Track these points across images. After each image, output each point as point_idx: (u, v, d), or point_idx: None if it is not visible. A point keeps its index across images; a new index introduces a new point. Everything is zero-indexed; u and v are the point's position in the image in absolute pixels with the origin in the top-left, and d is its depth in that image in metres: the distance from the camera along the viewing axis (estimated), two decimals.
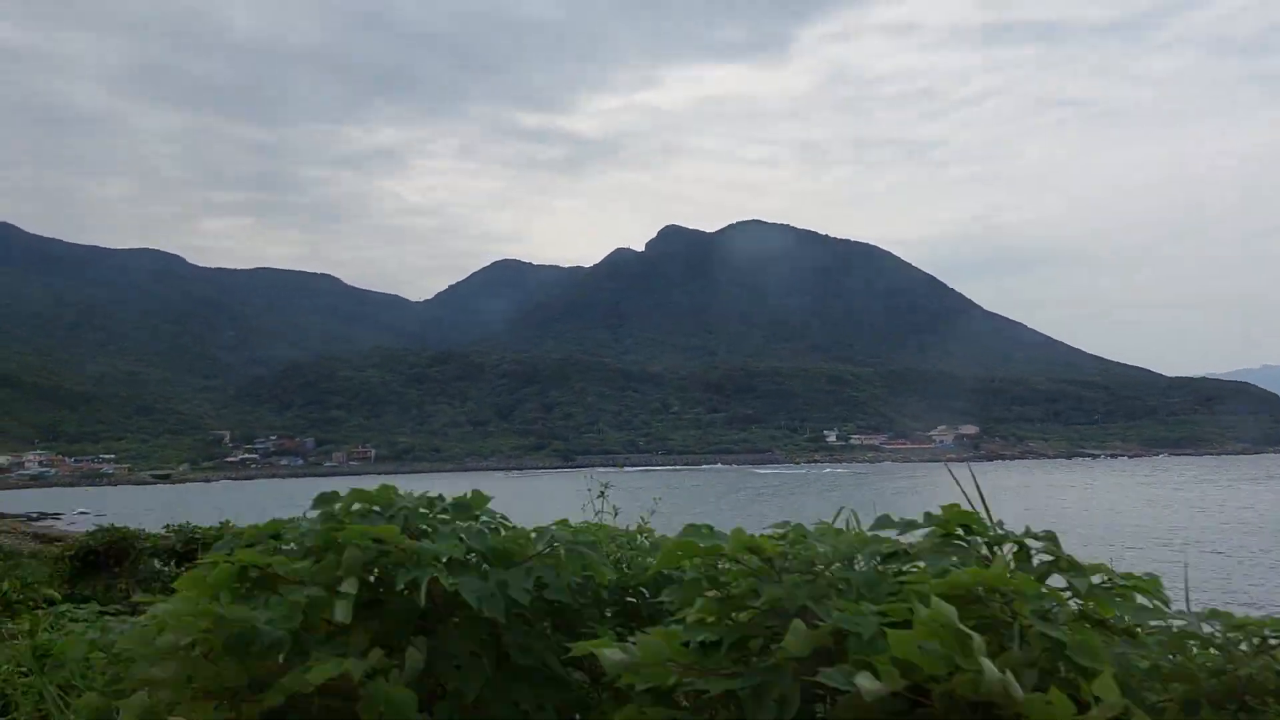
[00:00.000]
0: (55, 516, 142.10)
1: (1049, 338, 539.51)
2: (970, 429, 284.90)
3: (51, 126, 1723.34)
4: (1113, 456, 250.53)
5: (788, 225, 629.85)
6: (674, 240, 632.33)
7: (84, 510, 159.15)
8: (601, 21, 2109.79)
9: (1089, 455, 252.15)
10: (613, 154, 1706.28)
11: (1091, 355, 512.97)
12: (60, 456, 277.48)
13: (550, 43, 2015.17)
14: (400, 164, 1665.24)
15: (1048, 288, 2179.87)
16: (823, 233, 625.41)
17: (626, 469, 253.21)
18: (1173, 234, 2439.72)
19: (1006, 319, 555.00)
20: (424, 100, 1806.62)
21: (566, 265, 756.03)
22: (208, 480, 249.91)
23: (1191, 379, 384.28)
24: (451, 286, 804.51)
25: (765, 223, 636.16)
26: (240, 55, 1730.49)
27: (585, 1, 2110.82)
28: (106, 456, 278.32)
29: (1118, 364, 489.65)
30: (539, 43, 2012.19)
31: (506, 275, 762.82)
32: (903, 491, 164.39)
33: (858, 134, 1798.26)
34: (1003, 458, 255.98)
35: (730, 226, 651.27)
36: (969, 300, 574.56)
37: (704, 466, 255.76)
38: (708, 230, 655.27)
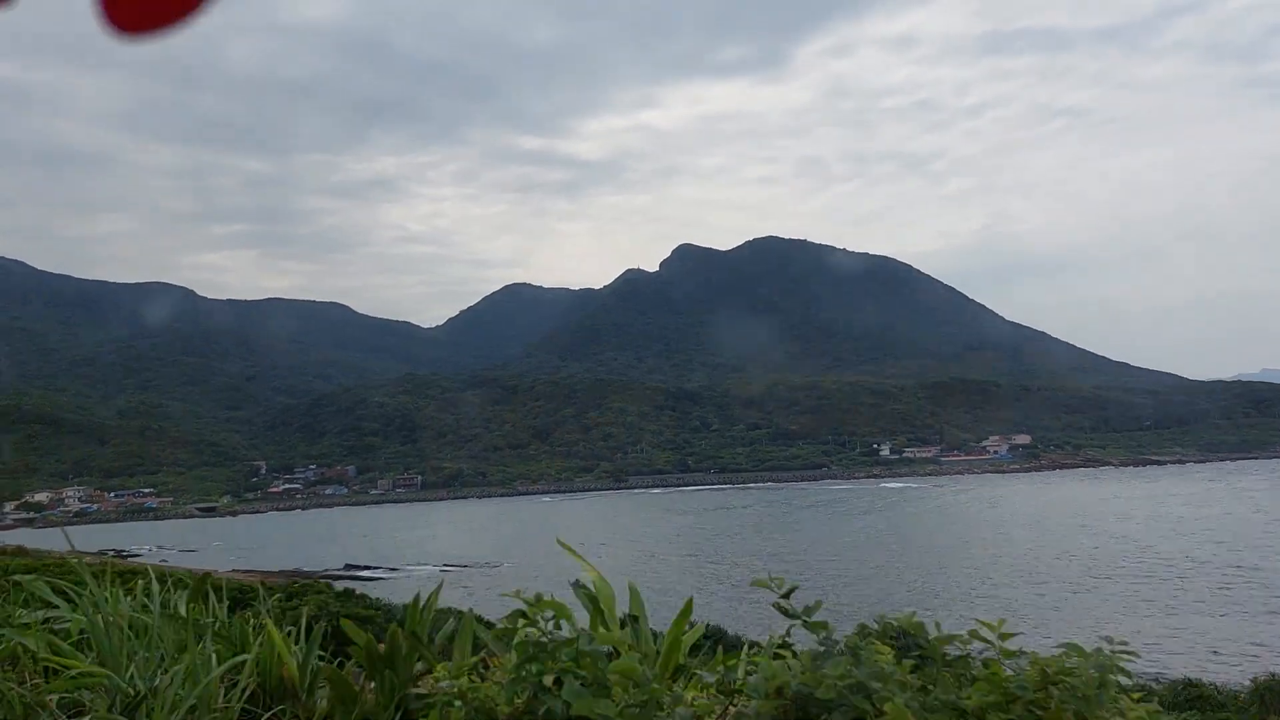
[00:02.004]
0: (134, 555, 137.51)
1: (1070, 345, 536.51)
2: (1023, 438, 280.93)
3: (52, 164, 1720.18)
4: (1179, 463, 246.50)
5: (805, 240, 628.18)
6: (689, 259, 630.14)
7: (163, 545, 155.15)
8: (598, 44, 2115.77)
9: (1155, 462, 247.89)
10: (614, 176, 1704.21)
11: (1116, 361, 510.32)
12: (100, 492, 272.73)
13: (547, 67, 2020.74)
14: (401, 191, 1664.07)
15: (1057, 295, 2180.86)
16: (840, 246, 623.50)
17: (685, 488, 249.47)
18: (1167, 240, 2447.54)
19: (1029, 328, 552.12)
20: (423, 127, 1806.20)
21: (577, 288, 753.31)
22: (257, 512, 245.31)
23: (1228, 383, 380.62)
24: (463, 312, 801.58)
25: (782, 239, 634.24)
26: (237, 88, 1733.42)
27: (581, 25, 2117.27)
28: (146, 490, 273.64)
29: (1142, 369, 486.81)
30: (536, 67, 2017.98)
31: (518, 299, 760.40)
32: (996, 501, 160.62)
33: (861, 148, 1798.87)
34: (1064, 467, 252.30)
35: (747, 243, 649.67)
36: (989, 310, 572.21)
37: (756, 485, 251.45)
38: (722, 249, 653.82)
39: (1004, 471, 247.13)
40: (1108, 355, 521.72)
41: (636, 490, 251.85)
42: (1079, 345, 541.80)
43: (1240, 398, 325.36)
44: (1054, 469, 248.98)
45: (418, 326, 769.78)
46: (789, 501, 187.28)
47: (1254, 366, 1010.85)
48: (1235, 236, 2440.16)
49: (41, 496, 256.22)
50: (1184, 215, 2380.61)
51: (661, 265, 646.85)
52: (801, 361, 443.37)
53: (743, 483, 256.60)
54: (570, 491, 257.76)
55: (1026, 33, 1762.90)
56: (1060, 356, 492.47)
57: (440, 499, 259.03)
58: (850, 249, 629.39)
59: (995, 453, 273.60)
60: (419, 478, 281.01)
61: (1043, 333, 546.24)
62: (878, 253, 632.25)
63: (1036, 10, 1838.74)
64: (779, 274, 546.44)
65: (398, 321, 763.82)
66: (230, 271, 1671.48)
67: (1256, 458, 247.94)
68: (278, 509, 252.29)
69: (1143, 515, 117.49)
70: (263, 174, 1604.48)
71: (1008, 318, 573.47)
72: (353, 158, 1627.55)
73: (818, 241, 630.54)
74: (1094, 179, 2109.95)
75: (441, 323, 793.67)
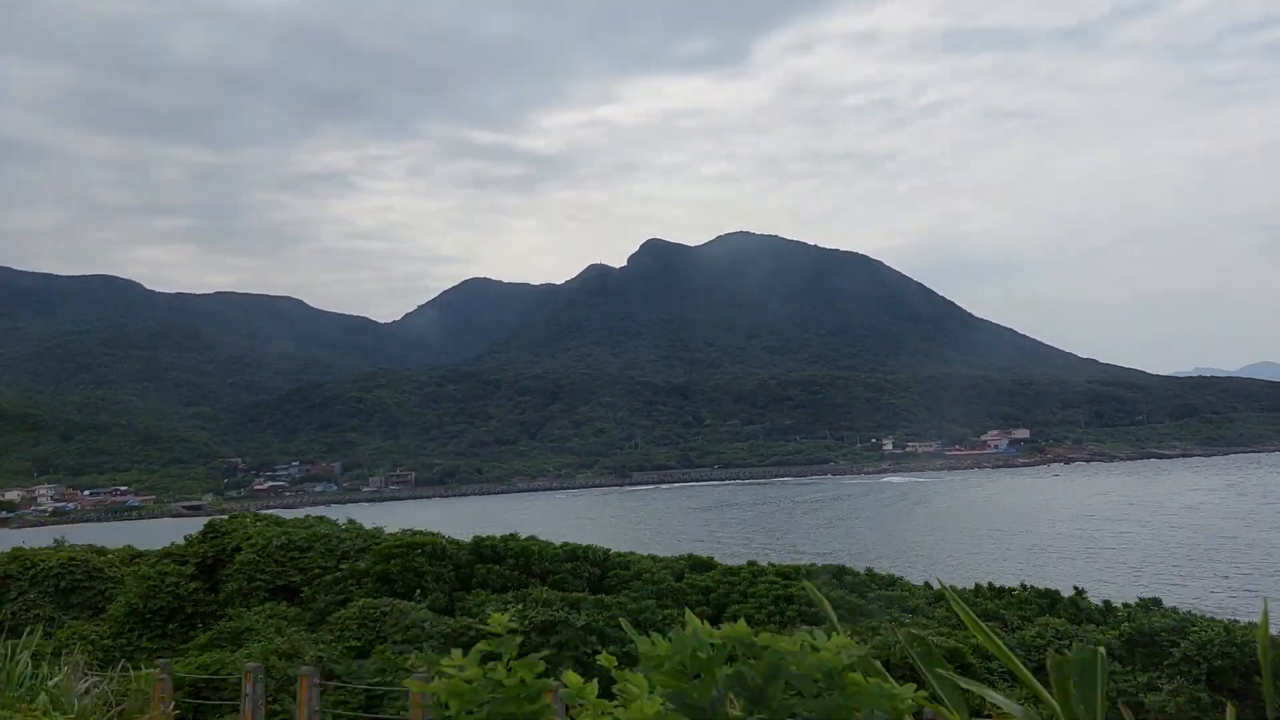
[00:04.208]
0: None
1: (1039, 341, 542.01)
2: (1023, 433, 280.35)
3: None
4: (1185, 457, 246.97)
5: (774, 235, 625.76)
6: (658, 254, 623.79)
7: None
8: (556, 36, 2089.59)
9: (1162, 456, 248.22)
10: (570, 172, 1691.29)
11: (1083, 358, 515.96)
12: (73, 490, 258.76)
13: (503, 60, 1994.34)
14: (351, 186, 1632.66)
15: (1003, 294, 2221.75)
16: (810, 242, 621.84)
17: (692, 484, 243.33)
18: (1110, 241, 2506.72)
19: (997, 324, 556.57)
20: (374, 121, 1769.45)
21: (537, 283, 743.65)
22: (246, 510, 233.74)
23: (1209, 378, 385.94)
24: (421, 306, 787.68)
25: (752, 234, 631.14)
26: (182, 78, 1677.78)
27: (538, 17, 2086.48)
28: (124, 488, 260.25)
29: (1112, 365, 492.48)
30: (491, 60, 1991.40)
31: (478, 294, 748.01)
32: (1025, 492, 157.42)
33: (818, 146, 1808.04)
34: (1070, 461, 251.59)
35: (718, 239, 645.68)
36: (958, 306, 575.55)
37: (764, 480, 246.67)
38: (691, 244, 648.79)
39: (1013, 466, 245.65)
40: (1074, 352, 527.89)
41: (643, 486, 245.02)
42: (1046, 342, 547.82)
43: (1226, 393, 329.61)
44: (1060, 463, 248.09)
45: (374, 321, 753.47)
46: (815, 496, 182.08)
47: (1187, 365, 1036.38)
48: (1175, 238, 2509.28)
49: (12, 495, 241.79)
50: (1126, 217, 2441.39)
51: (630, 259, 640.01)
52: (782, 357, 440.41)
53: (749, 478, 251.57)
54: (572, 488, 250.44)
55: (987, 31, 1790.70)
56: (1030, 352, 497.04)
57: (437, 496, 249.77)
58: (824, 244, 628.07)
59: (996, 447, 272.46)
60: (412, 474, 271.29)
61: (1010, 329, 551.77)
62: (848, 249, 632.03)
63: (996, 7, 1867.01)
64: (752, 268, 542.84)
65: (352, 316, 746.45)
66: (174, 265, 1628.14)
67: (1260, 451, 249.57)
68: (266, 507, 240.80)
69: (1228, 508, 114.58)
70: (208, 166, 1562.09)
71: (976, 314, 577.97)
72: (301, 151, 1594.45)
73: (789, 237, 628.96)
74: (1042, 180, 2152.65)
75: (399, 317, 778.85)
